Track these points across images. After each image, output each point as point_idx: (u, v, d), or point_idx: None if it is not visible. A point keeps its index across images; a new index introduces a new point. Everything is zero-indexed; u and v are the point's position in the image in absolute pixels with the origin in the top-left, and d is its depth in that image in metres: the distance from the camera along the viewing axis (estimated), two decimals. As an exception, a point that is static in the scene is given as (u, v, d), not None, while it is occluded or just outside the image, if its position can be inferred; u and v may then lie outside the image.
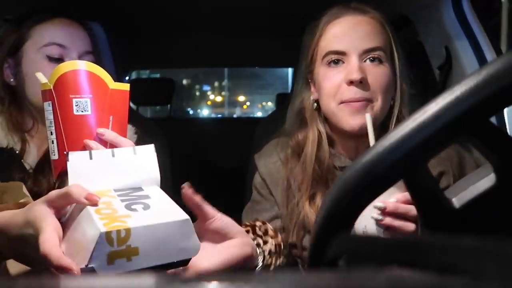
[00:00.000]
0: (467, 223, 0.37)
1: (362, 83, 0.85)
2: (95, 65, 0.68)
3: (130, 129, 0.97)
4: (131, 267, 0.48)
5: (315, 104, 0.95)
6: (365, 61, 0.87)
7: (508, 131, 1.04)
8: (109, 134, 0.67)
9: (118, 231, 0.47)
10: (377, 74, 0.86)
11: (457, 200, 0.38)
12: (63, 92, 0.67)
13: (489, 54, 1.12)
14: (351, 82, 0.85)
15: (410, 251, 0.30)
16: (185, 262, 0.53)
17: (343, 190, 0.37)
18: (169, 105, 2.95)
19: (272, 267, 0.78)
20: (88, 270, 0.46)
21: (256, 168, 1.01)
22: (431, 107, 0.33)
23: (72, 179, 0.57)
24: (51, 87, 0.67)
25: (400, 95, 0.90)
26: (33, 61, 0.91)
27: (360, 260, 0.35)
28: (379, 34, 0.89)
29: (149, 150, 0.65)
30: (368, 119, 0.81)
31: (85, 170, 0.58)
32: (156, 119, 3.35)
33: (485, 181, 0.37)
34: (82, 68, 0.67)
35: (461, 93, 0.32)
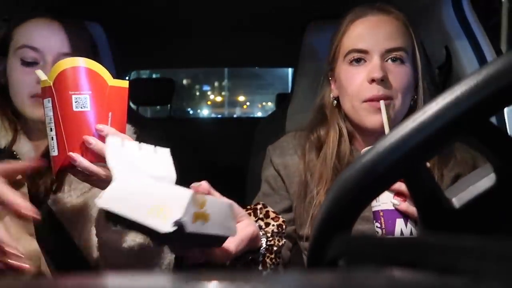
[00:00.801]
0: (467, 223, 0.37)
1: (383, 81, 0.85)
2: (94, 62, 0.69)
3: (129, 128, 0.96)
4: (203, 230, 0.56)
5: (335, 102, 0.96)
6: (386, 60, 0.88)
7: (508, 131, 1.04)
8: (108, 130, 0.67)
9: (201, 196, 0.56)
10: (398, 73, 0.87)
11: (457, 200, 0.38)
12: (62, 89, 0.67)
13: (489, 54, 1.12)
14: (372, 80, 0.86)
15: (410, 251, 0.30)
16: (220, 243, 0.64)
17: (343, 189, 0.37)
18: (169, 105, 2.95)
19: (276, 248, 0.79)
20: (178, 225, 0.52)
21: (270, 159, 1.01)
22: (431, 107, 0.33)
23: (110, 160, 0.62)
24: (51, 84, 0.68)
25: (422, 94, 0.91)
26: (11, 64, 0.89)
27: (360, 260, 0.35)
28: (402, 34, 0.89)
29: (166, 153, 0.70)
30: (382, 106, 0.82)
31: (118, 155, 0.63)
32: (156, 119, 3.35)
33: (485, 181, 0.37)
34: (82, 65, 0.68)
35: (461, 93, 0.32)
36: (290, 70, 3.43)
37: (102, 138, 0.67)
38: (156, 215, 0.54)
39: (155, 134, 1.33)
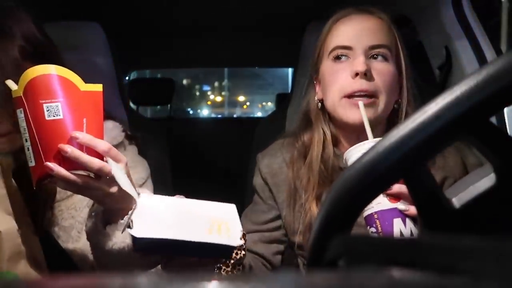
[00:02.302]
0: (467, 223, 0.37)
1: (366, 76, 0.86)
2: (63, 68, 0.67)
3: (118, 126, 0.96)
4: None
5: (320, 104, 0.96)
6: (370, 57, 0.88)
7: (508, 131, 1.04)
8: (84, 137, 0.66)
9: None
10: (381, 70, 0.88)
11: (457, 200, 0.37)
12: (33, 98, 0.66)
13: (489, 54, 1.12)
14: (356, 74, 0.86)
15: (410, 251, 0.30)
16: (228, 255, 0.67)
17: (343, 190, 0.37)
18: (169, 105, 2.95)
19: (233, 261, 0.81)
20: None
21: (258, 168, 1.01)
22: (431, 107, 0.33)
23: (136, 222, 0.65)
24: (21, 94, 0.66)
25: (406, 94, 0.91)
26: None
27: (360, 260, 0.35)
28: (386, 33, 0.91)
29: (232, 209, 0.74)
30: (361, 106, 0.82)
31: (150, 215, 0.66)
32: (156, 119, 3.35)
33: (485, 181, 0.37)
34: (50, 72, 0.66)
35: (461, 93, 0.32)
36: (290, 70, 3.44)
37: (79, 146, 0.65)
38: (218, 232, 0.54)
39: (155, 134, 1.33)
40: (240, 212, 1.15)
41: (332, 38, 0.92)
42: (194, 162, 2.48)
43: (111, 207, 0.73)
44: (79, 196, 0.86)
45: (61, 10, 1.32)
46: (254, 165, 1.05)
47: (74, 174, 0.66)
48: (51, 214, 0.85)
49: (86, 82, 0.82)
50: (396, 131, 0.34)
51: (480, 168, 0.85)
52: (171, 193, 1.21)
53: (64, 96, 0.66)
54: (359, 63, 0.86)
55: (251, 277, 0.23)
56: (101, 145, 0.67)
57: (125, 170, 0.71)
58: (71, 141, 0.65)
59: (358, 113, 0.84)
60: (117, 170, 0.68)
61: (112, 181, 0.68)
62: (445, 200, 0.37)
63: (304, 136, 0.97)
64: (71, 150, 0.64)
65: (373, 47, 0.88)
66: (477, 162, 0.91)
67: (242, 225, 1.02)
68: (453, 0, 1.18)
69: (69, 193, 0.86)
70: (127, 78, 2.77)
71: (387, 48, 0.89)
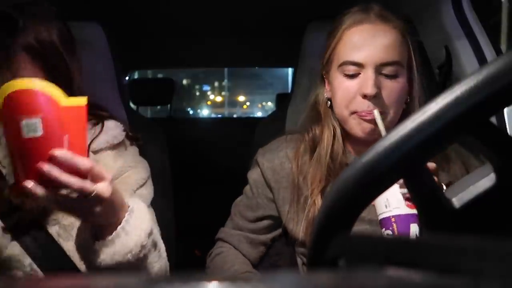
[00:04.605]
0: (467, 223, 0.37)
1: (375, 97, 0.85)
2: (44, 82, 0.64)
3: (119, 126, 0.95)
4: None
5: (329, 102, 0.95)
6: (380, 73, 0.86)
7: (508, 131, 1.04)
8: (65, 155, 0.62)
9: None
10: (391, 89, 0.86)
11: (457, 200, 0.37)
12: (10, 114, 0.62)
13: (489, 54, 1.12)
14: (365, 96, 0.85)
15: (410, 251, 0.30)
16: None
17: (343, 189, 0.37)
18: (169, 105, 2.95)
19: None
20: None
21: (257, 162, 1.01)
22: (431, 107, 0.33)
23: None
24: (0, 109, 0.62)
25: (416, 102, 0.90)
26: None
27: (360, 260, 0.35)
28: (399, 45, 0.88)
29: None
30: (376, 114, 0.82)
31: None
32: (156, 119, 3.35)
33: (485, 181, 0.37)
34: (30, 87, 0.62)
35: (461, 93, 0.32)
36: (290, 70, 3.44)
37: (59, 164, 0.62)
38: None
39: (155, 134, 1.33)
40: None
41: (343, 49, 0.89)
42: (194, 162, 2.48)
43: (98, 223, 0.72)
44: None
45: (61, 10, 1.32)
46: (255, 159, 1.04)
47: (55, 193, 0.63)
48: (51, 213, 0.85)
49: (86, 82, 0.81)
50: (396, 131, 0.34)
51: (480, 168, 0.85)
52: (171, 193, 1.21)
53: (44, 112, 0.62)
54: (369, 86, 0.84)
55: (251, 277, 0.23)
56: (83, 163, 0.64)
57: (111, 187, 0.68)
58: (51, 159, 0.62)
59: (368, 128, 0.85)
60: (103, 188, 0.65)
61: (96, 199, 0.66)
62: (445, 200, 0.37)
63: (315, 129, 0.96)
64: (49, 169, 0.61)
65: (384, 64, 0.85)
66: (479, 165, 0.91)
67: (231, 214, 1.03)
68: (453, 0, 1.17)
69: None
70: (127, 78, 2.77)
71: (399, 65, 0.87)
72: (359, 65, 0.86)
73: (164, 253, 0.85)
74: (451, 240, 0.27)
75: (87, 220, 0.72)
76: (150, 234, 0.78)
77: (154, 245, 0.80)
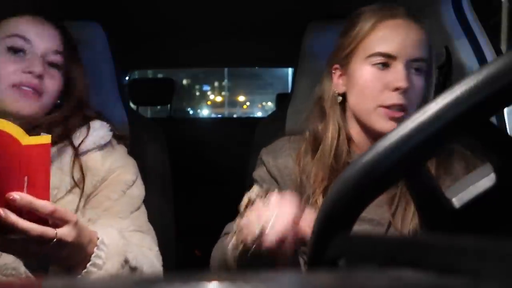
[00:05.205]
0: (467, 223, 0.37)
1: (405, 91, 0.84)
2: (4, 121, 0.59)
3: (105, 126, 0.94)
4: None
5: (340, 98, 0.94)
6: (409, 68, 0.86)
7: (508, 131, 1.04)
8: (24, 198, 0.58)
9: None
10: (417, 84, 0.86)
11: (457, 200, 0.37)
12: None
13: (489, 54, 1.12)
14: (396, 89, 0.84)
15: (410, 251, 0.30)
16: None
17: (343, 190, 0.37)
18: (169, 105, 2.95)
19: None
20: None
21: (262, 161, 1.00)
22: (431, 107, 0.33)
23: None
24: None
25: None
26: None
27: (360, 260, 0.35)
28: (425, 44, 0.88)
29: None
30: None
31: None
32: (156, 119, 3.36)
33: (485, 181, 0.37)
34: None
35: (461, 93, 0.32)
36: (290, 70, 3.44)
37: (17, 208, 0.58)
38: None
39: (155, 134, 1.33)
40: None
41: (375, 41, 0.87)
42: (194, 162, 2.48)
43: (64, 264, 0.68)
44: (71, 198, 0.85)
45: (61, 10, 1.32)
46: (255, 164, 1.04)
47: (12, 239, 0.59)
48: None
49: (85, 81, 0.79)
50: (396, 131, 0.34)
51: (480, 168, 0.85)
52: (171, 193, 1.21)
53: (1, 153, 0.58)
54: (402, 79, 0.83)
55: (251, 277, 0.23)
56: (44, 207, 0.60)
57: (75, 229, 0.64)
58: (9, 203, 0.58)
59: (392, 125, 0.84)
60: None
61: (59, 245, 0.62)
62: (445, 200, 0.37)
63: (317, 126, 0.94)
64: (5, 215, 0.57)
65: (415, 60, 0.85)
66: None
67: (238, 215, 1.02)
68: (453, 0, 1.17)
69: (59, 196, 0.83)
70: (127, 78, 2.77)
71: (426, 62, 0.87)
72: (391, 57, 0.86)
73: (150, 269, 0.81)
74: (451, 240, 0.27)
75: (51, 263, 0.68)
76: (126, 262, 0.73)
77: (134, 269, 0.75)
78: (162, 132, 1.35)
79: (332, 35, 1.00)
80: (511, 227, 0.37)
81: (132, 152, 1.01)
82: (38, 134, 0.66)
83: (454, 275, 0.24)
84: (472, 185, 0.37)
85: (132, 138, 1.15)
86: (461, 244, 0.26)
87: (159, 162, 1.24)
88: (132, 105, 2.53)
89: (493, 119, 1.02)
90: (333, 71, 0.95)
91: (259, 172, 1.00)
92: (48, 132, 0.81)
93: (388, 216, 0.87)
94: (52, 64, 0.89)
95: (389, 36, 0.87)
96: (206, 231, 1.24)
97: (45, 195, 0.61)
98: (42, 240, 0.60)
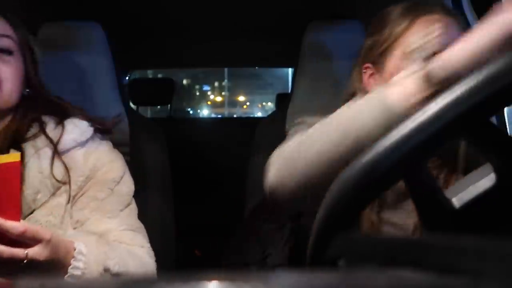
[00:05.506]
0: (467, 223, 0.37)
1: None
2: None
3: (81, 122, 0.88)
4: None
5: None
6: None
7: (508, 131, 1.04)
8: None
9: None
10: None
11: (457, 200, 0.37)
12: None
13: (489, 54, 1.12)
14: None
15: (410, 251, 0.30)
16: None
17: (343, 190, 0.37)
18: (169, 105, 2.95)
19: None
20: None
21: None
22: (431, 107, 0.33)
23: None
24: None
25: None
26: None
27: (360, 260, 0.35)
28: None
29: None
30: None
31: None
32: (156, 119, 3.36)
33: (485, 181, 0.37)
34: None
35: (461, 93, 0.32)
36: (290, 70, 3.44)
37: None
38: None
39: (155, 134, 1.33)
40: (241, 212, 1.14)
41: (417, 36, 0.85)
42: (194, 162, 2.48)
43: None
44: (57, 201, 0.82)
45: (61, 10, 1.32)
46: (255, 164, 1.04)
47: None
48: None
49: (85, 81, 0.79)
50: (396, 131, 0.34)
51: (480, 168, 0.85)
52: (171, 193, 1.21)
53: None
54: None
55: (251, 277, 0.23)
56: (14, 228, 0.58)
57: (48, 247, 0.62)
58: None
59: None
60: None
61: (31, 264, 0.60)
62: (445, 200, 0.37)
63: None
64: None
65: None
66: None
67: None
68: (453, 0, 1.17)
69: (43, 199, 0.81)
70: (127, 78, 2.77)
71: None
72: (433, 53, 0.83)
73: (141, 268, 0.78)
74: (451, 240, 0.27)
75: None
76: (105, 270, 0.71)
77: (116, 276, 0.72)
78: (162, 132, 1.35)
79: (332, 35, 1.00)
80: (511, 227, 0.37)
81: (132, 152, 1.01)
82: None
83: (454, 275, 0.24)
84: (472, 185, 0.37)
85: (132, 138, 1.15)
86: (461, 244, 0.26)
87: (159, 162, 1.24)
88: (132, 105, 2.53)
89: (493, 119, 1.02)
90: (363, 71, 0.93)
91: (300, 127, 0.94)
92: (20, 128, 0.80)
93: (413, 221, 0.86)
94: (2, 50, 0.82)
95: (430, 32, 0.85)
96: (206, 231, 1.24)
97: (15, 215, 0.59)
98: (12, 261, 0.59)
